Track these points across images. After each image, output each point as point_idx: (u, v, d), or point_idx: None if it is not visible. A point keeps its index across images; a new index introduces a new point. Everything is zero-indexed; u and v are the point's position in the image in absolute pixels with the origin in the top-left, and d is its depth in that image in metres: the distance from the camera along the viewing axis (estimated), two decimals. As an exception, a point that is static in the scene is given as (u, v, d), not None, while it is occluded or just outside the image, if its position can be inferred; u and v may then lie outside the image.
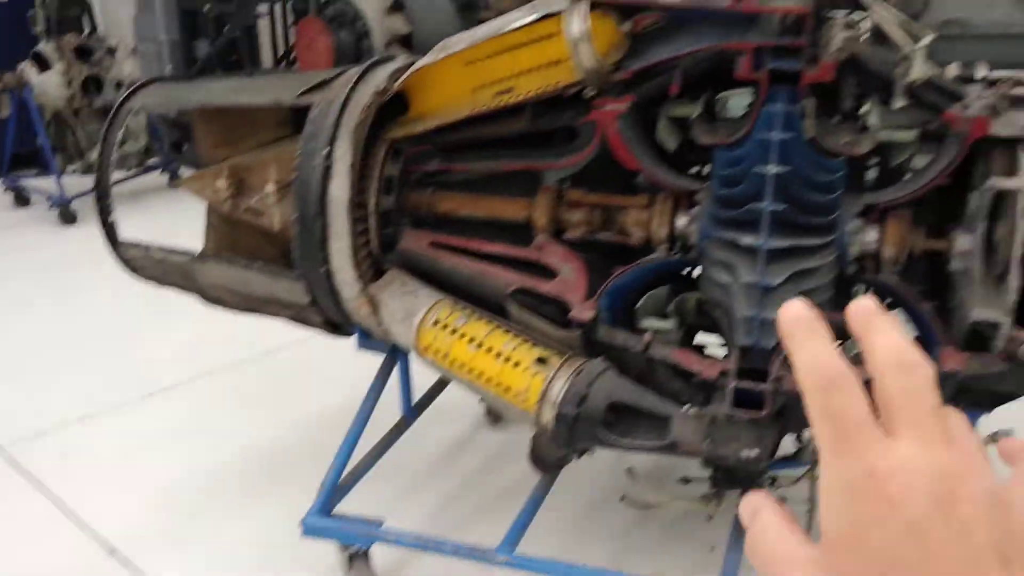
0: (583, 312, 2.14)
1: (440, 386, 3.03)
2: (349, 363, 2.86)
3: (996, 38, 4.30)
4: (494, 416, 3.28)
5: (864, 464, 0.49)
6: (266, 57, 8.15)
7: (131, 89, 2.60)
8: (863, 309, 0.54)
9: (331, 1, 5.20)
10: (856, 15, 2.03)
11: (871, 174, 2.24)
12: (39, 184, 6.59)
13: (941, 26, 4.33)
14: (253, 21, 7.30)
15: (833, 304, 2.21)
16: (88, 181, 5.70)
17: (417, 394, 3.00)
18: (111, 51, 6.41)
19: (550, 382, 2.05)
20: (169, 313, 3.78)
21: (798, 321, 0.53)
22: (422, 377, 2.93)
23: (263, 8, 8.05)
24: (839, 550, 0.49)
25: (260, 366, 3.90)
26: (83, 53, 6.32)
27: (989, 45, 4.27)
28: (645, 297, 2.18)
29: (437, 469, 3.04)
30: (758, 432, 1.94)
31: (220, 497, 2.98)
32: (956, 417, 0.53)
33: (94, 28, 6.58)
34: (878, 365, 0.51)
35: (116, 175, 6.47)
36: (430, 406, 3.06)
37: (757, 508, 0.56)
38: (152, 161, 6.85)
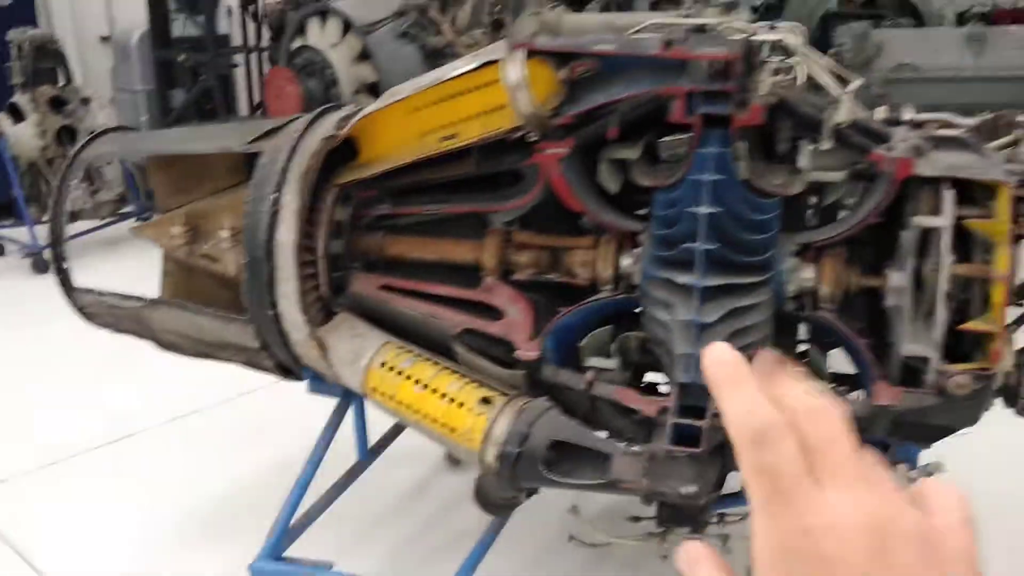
0: (528, 352, 2.17)
1: (398, 429, 3.03)
2: (313, 408, 2.86)
3: (946, 81, 4.42)
4: (453, 459, 3.29)
5: (798, 523, 0.48)
6: (242, 106, 8.25)
7: (86, 139, 2.64)
8: (765, 360, 0.54)
9: (300, 50, 5.29)
10: (787, 61, 2.10)
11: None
12: (13, 234, 6.61)
13: (894, 70, 4.45)
14: (227, 71, 7.39)
15: (774, 341, 2.26)
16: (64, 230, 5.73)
17: (375, 437, 3.00)
18: (85, 102, 6.47)
19: (493, 422, 2.07)
20: (138, 361, 3.77)
21: (723, 369, 0.53)
22: (382, 420, 2.94)
23: (239, 58, 8.16)
24: None
25: (225, 412, 3.90)
26: (57, 104, 6.38)
27: (939, 88, 4.38)
28: (588, 336, 2.21)
29: (393, 513, 3.04)
30: (697, 468, 1.96)
31: (179, 544, 2.97)
32: (872, 457, 0.53)
33: (69, 79, 6.64)
34: (789, 414, 0.51)
35: (91, 223, 6.53)
36: (390, 449, 3.07)
37: (695, 560, 0.54)
38: (127, 209, 6.88)
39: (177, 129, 3.20)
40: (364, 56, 5.18)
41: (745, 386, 0.52)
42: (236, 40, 8.28)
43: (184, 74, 7.51)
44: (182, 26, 7.57)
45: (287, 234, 2.24)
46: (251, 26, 8.06)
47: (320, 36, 5.29)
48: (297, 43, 5.41)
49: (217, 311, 2.45)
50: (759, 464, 0.50)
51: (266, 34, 7.63)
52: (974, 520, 0.52)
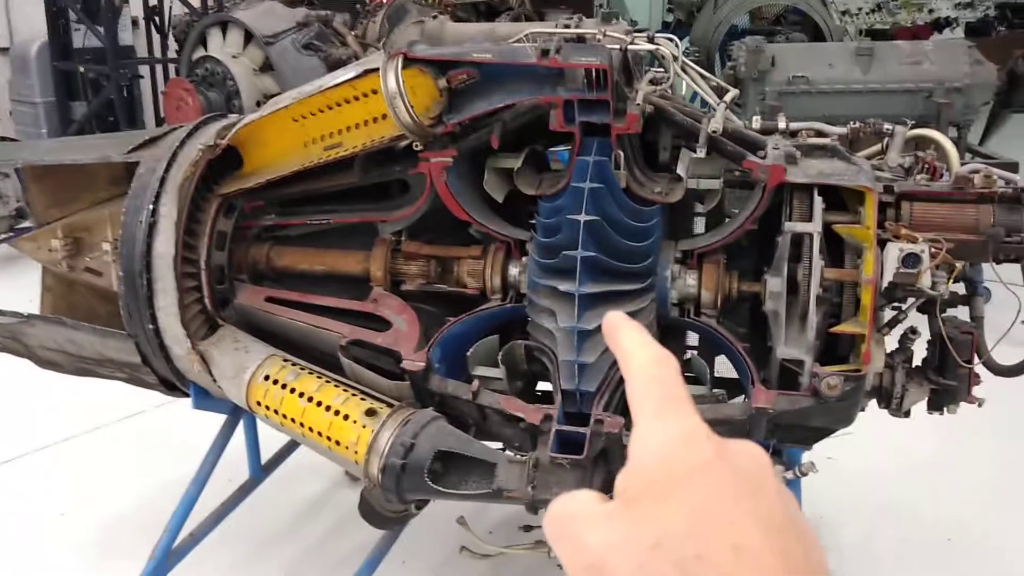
0: (414, 362, 2.15)
1: (293, 445, 2.97)
2: (214, 428, 2.78)
3: (836, 94, 4.57)
4: (353, 475, 3.24)
5: (688, 424, 0.55)
6: (148, 118, 8.05)
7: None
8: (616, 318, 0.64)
9: (202, 61, 5.19)
10: (662, 72, 2.14)
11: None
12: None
13: (787, 83, 4.58)
14: (129, 82, 7.20)
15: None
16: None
17: (270, 453, 2.94)
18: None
19: (377, 433, 2.04)
20: (28, 377, 3.64)
21: (619, 320, 0.63)
22: (277, 437, 2.88)
23: (145, 69, 7.98)
24: (648, 498, 0.53)
25: (120, 431, 3.77)
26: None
27: (830, 100, 4.53)
28: (475, 346, 2.20)
29: (289, 530, 2.97)
30: (581, 475, 1.96)
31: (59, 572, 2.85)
32: None
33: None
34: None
35: (-14, 239, 6.27)
36: (289, 465, 3.01)
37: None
38: (26, 224, 6.63)
39: (55, 139, 3.10)
40: (266, 67, 5.11)
41: (640, 331, 0.63)
42: (142, 51, 8.11)
43: (85, 86, 7.30)
44: (83, 37, 7.35)
45: (165, 245, 2.18)
46: (157, 37, 7.90)
47: (221, 47, 5.20)
48: (199, 53, 5.30)
49: (95, 326, 2.37)
50: (653, 376, 0.59)
51: (173, 45, 7.48)
52: None
